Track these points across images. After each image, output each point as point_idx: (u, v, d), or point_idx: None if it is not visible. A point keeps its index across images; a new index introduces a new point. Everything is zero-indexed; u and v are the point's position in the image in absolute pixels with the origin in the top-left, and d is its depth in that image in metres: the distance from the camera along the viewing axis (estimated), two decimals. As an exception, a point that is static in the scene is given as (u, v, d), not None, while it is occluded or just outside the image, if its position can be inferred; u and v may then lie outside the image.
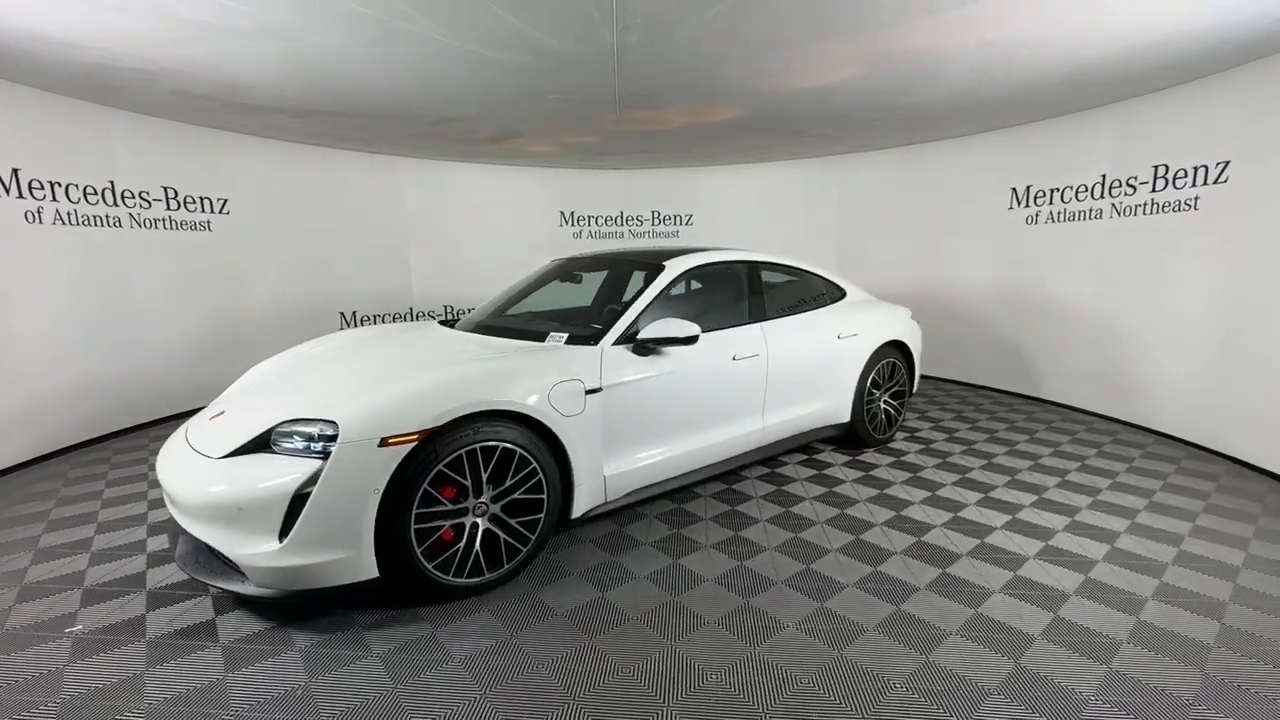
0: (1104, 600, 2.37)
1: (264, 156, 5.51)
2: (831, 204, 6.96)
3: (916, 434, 4.53)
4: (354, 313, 6.37)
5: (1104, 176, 4.72)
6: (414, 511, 2.18)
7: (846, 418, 3.96)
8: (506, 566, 2.45)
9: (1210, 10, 3.01)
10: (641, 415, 2.88)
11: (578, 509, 2.68)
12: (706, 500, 3.33)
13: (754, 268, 3.67)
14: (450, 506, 2.29)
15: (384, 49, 3.32)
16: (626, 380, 2.79)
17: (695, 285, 3.69)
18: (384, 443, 2.11)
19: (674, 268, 3.25)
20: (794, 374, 3.60)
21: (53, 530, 3.03)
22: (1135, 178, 4.48)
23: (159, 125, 4.74)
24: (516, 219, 7.15)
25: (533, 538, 2.51)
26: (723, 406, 3.25)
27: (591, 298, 4.03)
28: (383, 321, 6.60)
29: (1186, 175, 4.12)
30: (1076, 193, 4.95)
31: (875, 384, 4.09)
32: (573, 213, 7.40)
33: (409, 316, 6.78)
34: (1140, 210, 4.46)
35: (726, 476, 3.66)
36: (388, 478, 2.11)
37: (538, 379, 2.50)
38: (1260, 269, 3.69)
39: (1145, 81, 4.09)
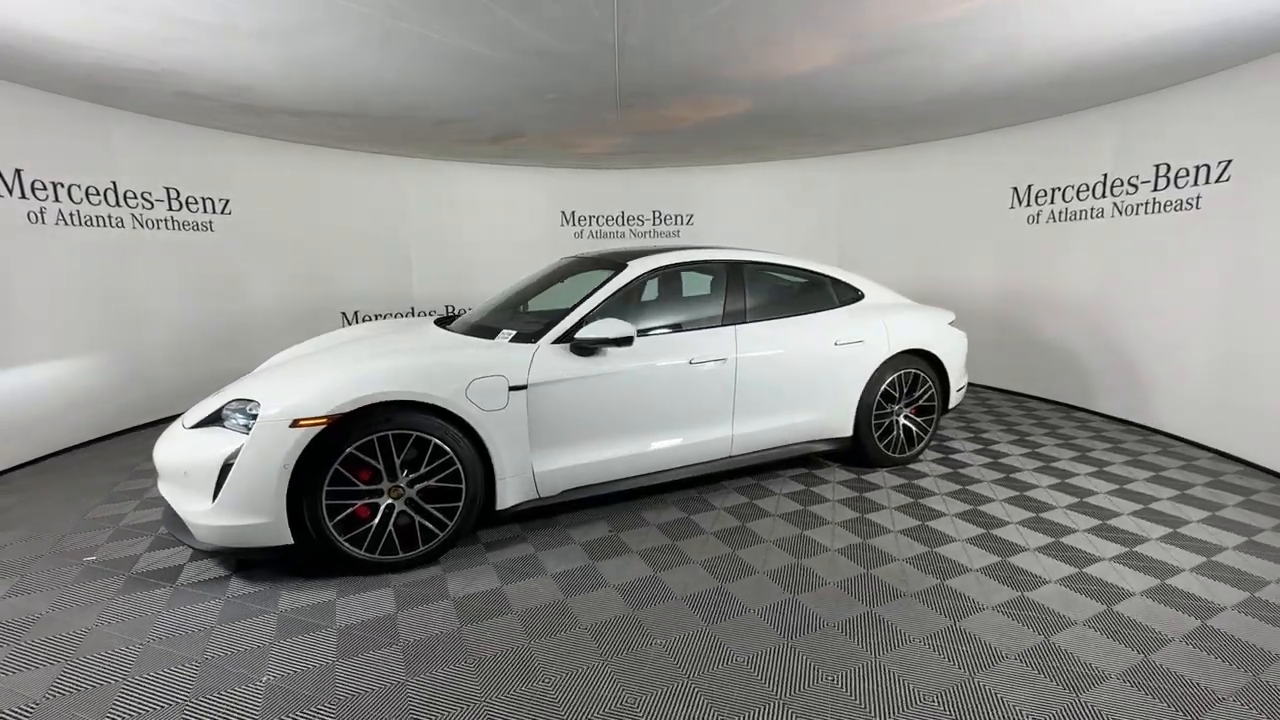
0: (1050, 671, 1.96)
1: (265, 157, 5.53)
2: (832, 204, 6.94)
3: (952, 455, 4.00)
4: (355, 312, 6.45)
5: (1105, 176, 4.68)
6: (325, 489, 2.39)
7: (848, 432, 3.63)
8: (421, 549, 2.59)
9: (1211, 8, 2.95)
10: (577, 415, 2.88)
11: (504, 501, 2.75)
12: (665, 506, 3.25)
13: (737, 268, 3.47)
14: (364, 487, 2.48)
15: (384, 49, 3.41)
16: (560, 379, 2.79)
17: (670, 285, 3.58)
18: (295, 424, 2.34)
19: (636, 268, 3.19)
20: (773, 381, 3.37)
21: (129, 479, 3.73)
22: (1137, 177, 4.44)
23: (161, 126, 4.73)
24: (517, 219, 7.27)
25: (450, 524, 2.63)
26: (678, 411, 3.13)
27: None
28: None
29: (1188, 174, 4.08)
30: (1078, 192, 4.91)
31: (888, 397, 3.70)
32: (573, 212, 7.43)
33: (410, 316, 6.84)
34: (1142, 209, 4.42)
35: (700, 484, 3.53)
36: (298, 455, 2.34)
37: (455, 373, 2.61)
38: (1262, 267, 3.65)
39: (1146, 80, 4.04)
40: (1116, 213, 4.62)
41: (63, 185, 4.14)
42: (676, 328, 3.23)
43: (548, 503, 2.91)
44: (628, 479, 3.07)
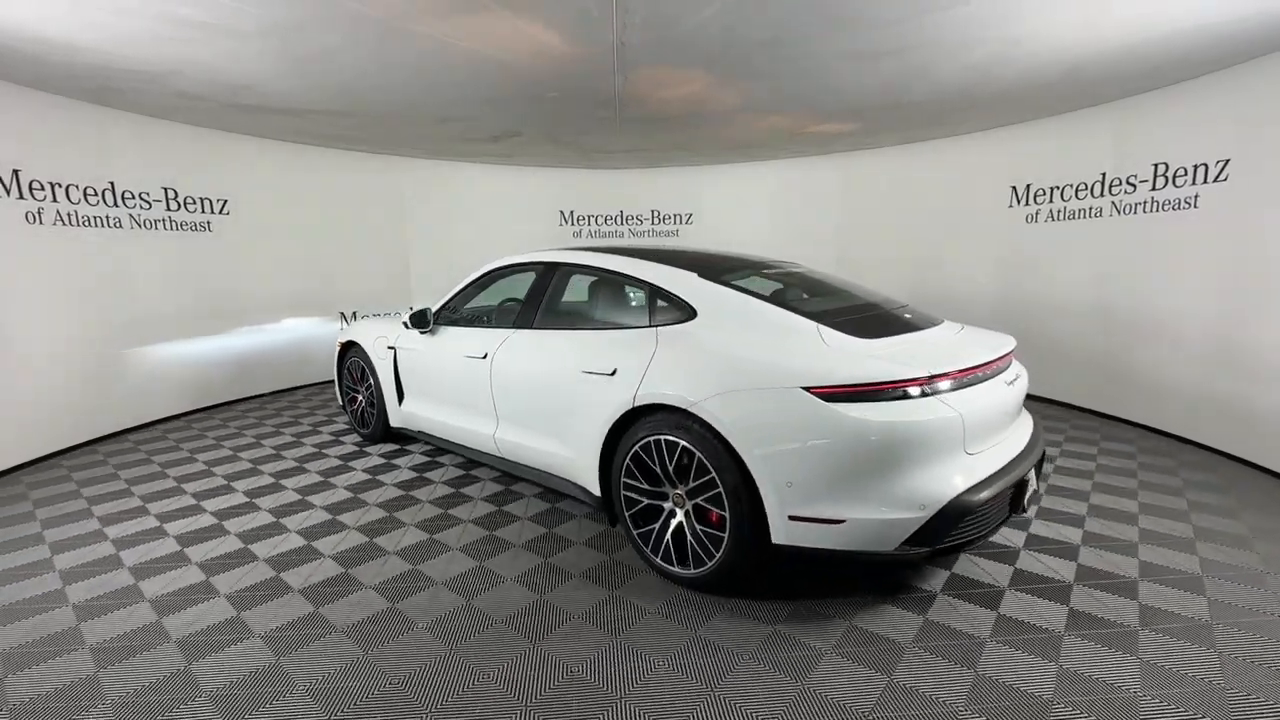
0: None
1: (264, 157, 5.49)
2: (831, 202, 6.96)
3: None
4: (354, 312, 6.36)
5: (1104, 175, 4.70)
6: (343, 377, 4.49)
7: (595, 490, 2.71)
8: (367, 430, 4.38)
9: (1210, 7, 2.97)
10: (411, 375, 3.84)
11: (391, 421, 4.08)
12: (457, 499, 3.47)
13: (550, 270, 3.22)
14: (351, 384, 4.43)
15: (384, 49, 3.42)
16: (405, 348, 3.83)
17: (527, 284, 3.39)
18: (339, 344, 4.47)
19: (485, 267, 3.61)
20: (520, 394, 3.05)
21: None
22: (1135, 176, 4.46)
23: (159, 126, 4.72)
24: (516, 218, 7.26)
25: (373, 421, 4.26)
26: (459, 397, 3.48)
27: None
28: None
29: (1186, 173, 4.09)
30: (1076, 191, 4.93)
31: (645, 470, 2.47)
32: (572, 212, 7.45)
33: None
34: (1140, 209, 4.44)
35: (495, 479, 3.70)
36: (337, 357, 4.48)
37: (368, 334, 4.17)
38: (1260, 267, 3.68)
39: (1145, 79, 4.05)
40: (1115, 212, 4.61)
41: (60, 185, 4.15)
42: (487, 324, 3.56)
43: (413, 435, 3.97)
44: (454, 443, 3.62)
